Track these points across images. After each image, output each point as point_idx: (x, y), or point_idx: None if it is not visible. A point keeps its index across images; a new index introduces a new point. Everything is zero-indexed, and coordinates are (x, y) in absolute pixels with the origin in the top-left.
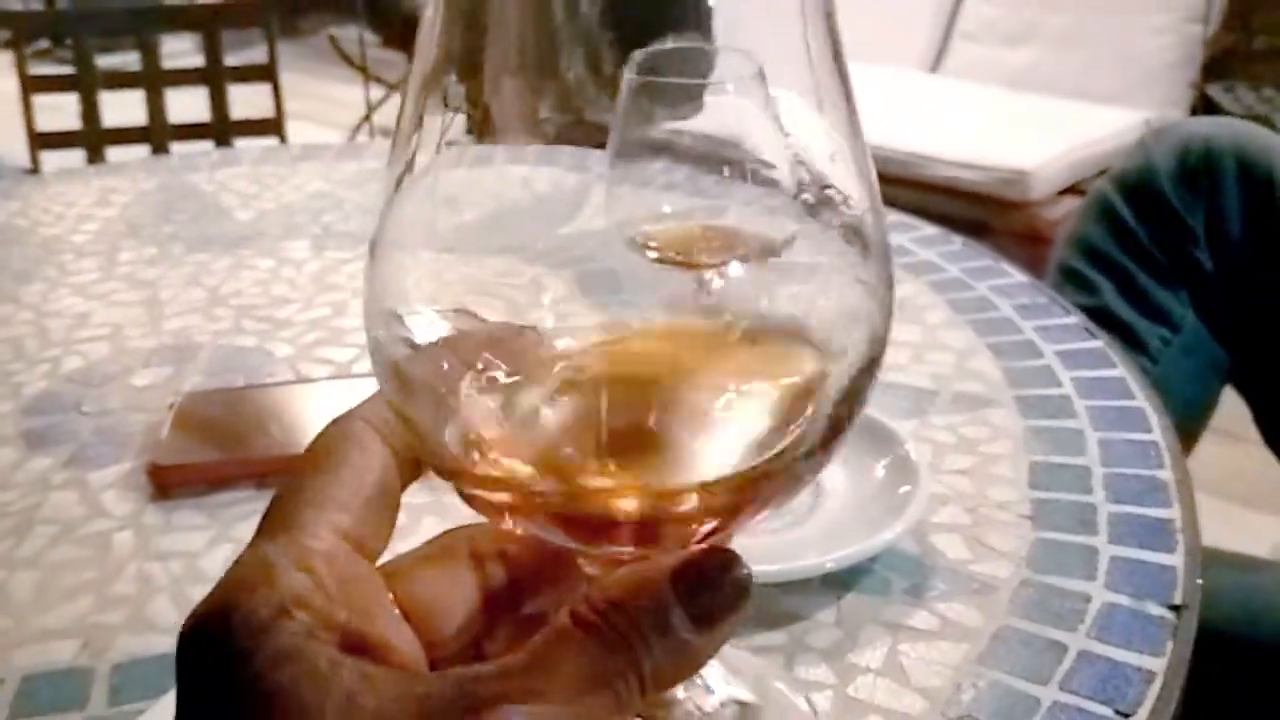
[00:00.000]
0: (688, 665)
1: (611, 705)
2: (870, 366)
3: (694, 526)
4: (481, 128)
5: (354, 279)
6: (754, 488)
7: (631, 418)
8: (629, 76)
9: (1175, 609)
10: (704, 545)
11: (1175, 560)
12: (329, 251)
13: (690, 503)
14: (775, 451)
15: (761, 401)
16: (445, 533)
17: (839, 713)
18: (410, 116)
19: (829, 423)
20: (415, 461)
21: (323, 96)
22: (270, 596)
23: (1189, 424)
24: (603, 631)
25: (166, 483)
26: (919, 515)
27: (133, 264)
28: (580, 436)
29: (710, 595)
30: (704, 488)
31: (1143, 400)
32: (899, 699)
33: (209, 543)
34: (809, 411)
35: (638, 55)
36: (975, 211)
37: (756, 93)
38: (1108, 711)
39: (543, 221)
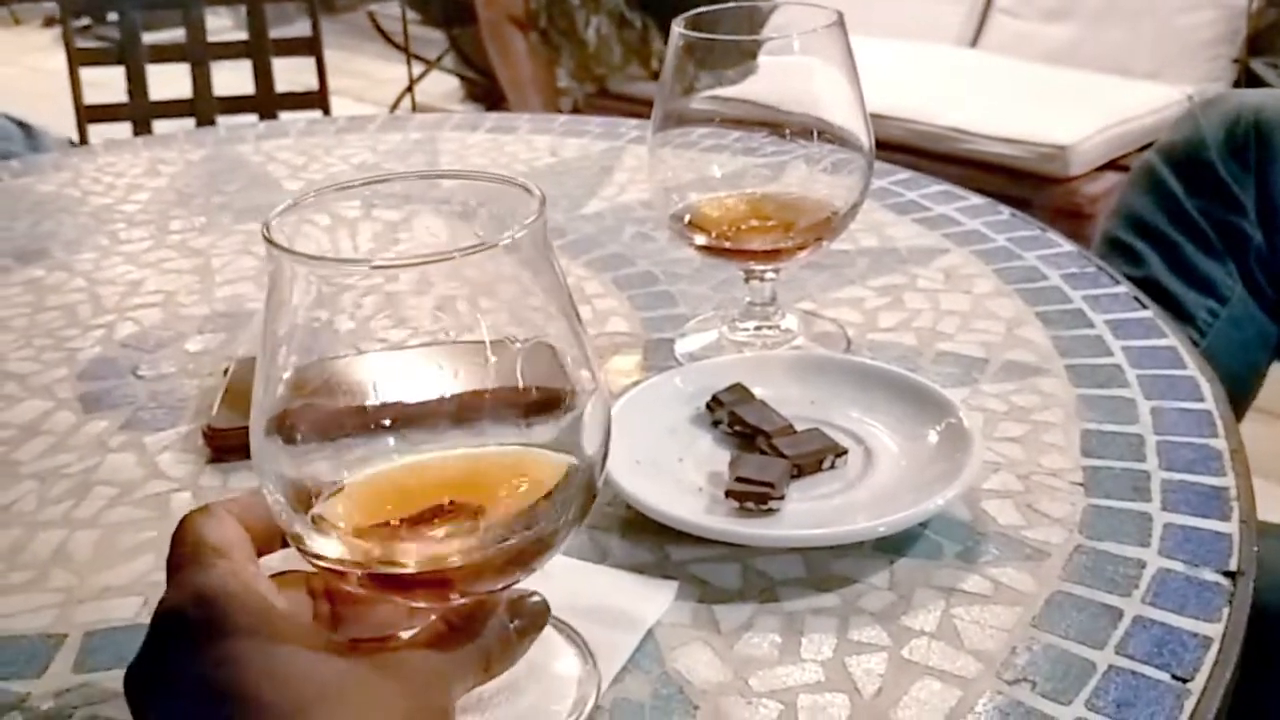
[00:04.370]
0: (510, 656)
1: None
2: (603, 461)
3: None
4: None
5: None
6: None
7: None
8: (678, 32)
9: (1231, 575)
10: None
11: (1230, 528)
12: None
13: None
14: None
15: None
16: (291, 571)
17: (894, 674)
18: None
19: (579, 506)
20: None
21: (361, 73)
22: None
23: (1236, 397)
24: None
25: (222, 446)
26: (971, 481)
27: (183, 233)
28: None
29: (524, 615)
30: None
31: (1194, 370)
32: (953, 661)
33: None
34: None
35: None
36: (1014, 187)
37: (827, 47)
38: (1165, 676)
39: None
